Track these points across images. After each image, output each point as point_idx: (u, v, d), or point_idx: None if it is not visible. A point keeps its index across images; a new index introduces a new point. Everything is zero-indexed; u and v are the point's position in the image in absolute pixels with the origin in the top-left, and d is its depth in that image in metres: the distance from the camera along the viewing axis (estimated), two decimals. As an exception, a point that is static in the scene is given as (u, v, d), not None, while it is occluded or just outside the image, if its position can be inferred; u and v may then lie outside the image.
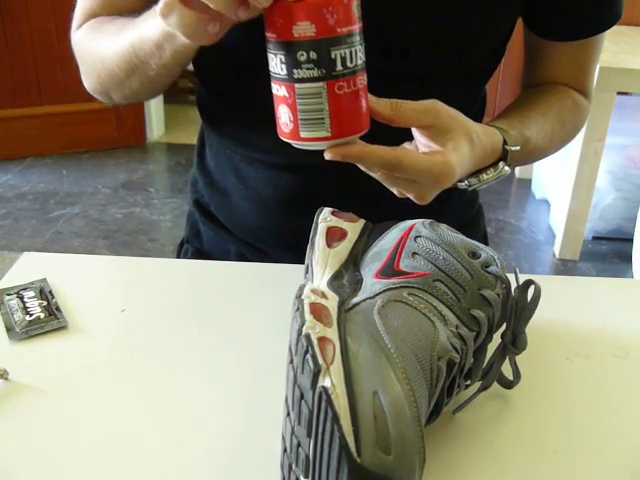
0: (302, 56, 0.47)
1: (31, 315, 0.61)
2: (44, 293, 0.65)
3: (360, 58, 0.49)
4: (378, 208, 0.62)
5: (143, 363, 0.58)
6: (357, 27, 0.48)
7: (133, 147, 3.10)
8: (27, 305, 0.63)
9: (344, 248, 0.55)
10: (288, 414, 0.43)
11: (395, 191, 0.57)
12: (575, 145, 2.14)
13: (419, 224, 0.54)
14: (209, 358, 0.58)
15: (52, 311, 0.62)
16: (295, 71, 0.48)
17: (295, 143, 0.51)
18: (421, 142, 0.56)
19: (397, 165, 0.52)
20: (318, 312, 0.43)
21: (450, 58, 0.68)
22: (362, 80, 0.50)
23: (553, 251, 2.39)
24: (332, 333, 0.42)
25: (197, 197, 0.86)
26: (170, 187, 2.82)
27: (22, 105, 2.88)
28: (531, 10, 0.70)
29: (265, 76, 0.50)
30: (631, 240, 2.00)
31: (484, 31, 0.68)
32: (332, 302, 0.46)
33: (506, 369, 0.53)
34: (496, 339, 0.51)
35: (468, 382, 0.51)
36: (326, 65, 0.47)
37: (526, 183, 2.86)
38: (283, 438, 0.44)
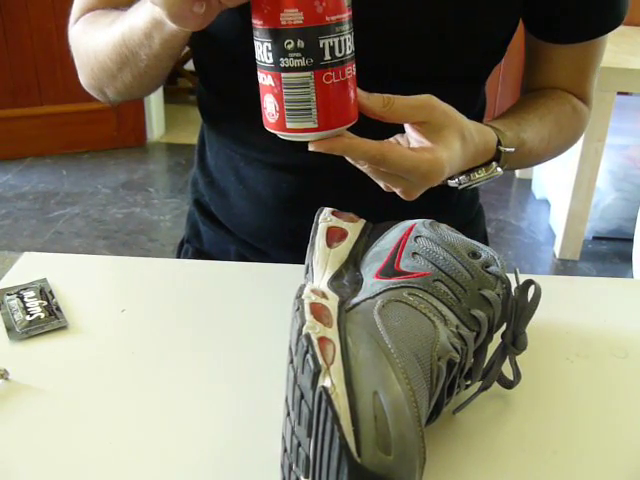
0: (289, 44, 0.46)
1: (31, 315, 0.61)
2: (44, 293, 0.65)
3: (349, 48, 0.48)
4: (378, 208, 0.61)
5: (143, 363, 0.58)
6: (346, 16, 0.47)
7: (133, 147, 3.10)
8: (27, 305, 0.63)
9: (344, 248, 0.55)
10: (288, 414, 0.43)
11: (382, 185, 0.57)
12: (575, 145, 2.13)
13: (419, 224, 0.54)
14: (209, 358, 0.58)
15: (52, 311, 0.62)
16: (282, 60, 0.47)
17: (281, 134, 0.50)
18: (412, 137, 0.55)
19: (382, 160, 0.51)
20: (318, 312, 0.43)
21: (450, 57, 0.67)
22: (351, 70, 0.49)
23: (553, 251, 2.39)
24: (332, 333, 0.42)
25: (197, 197, 0.86)
26: (170, 187, 2.82)
27: (22, 105, 2.88)
28: (531, 11, 0.70)
29: None
30: (631, 240, 2.00)
31: (484, 31, 0.67)
32: (332, 302, 0.46)
33: (506, 369, 0.53)
34: (496, 339, 0.51)
35: (468, 382, 0.51)
36: (314, 54, 0.46)
37: (526, 183, 2.86)
38: (283, 438, 0.44)
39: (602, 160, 2.17)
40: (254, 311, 0.65)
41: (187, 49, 0.68)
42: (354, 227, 0.57)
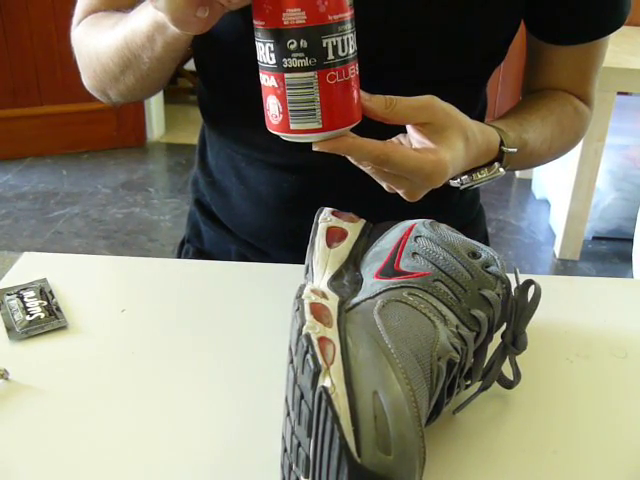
0: (292, 44, 0.45)
1: (31, 315, 0.61)
2: (44, 293, 0.65)
3: (352, 47, 0.48)
4: (378, 208, 0.61)
5: (143, 363, 0.58)
6: (349, 14, 0.47)
7: (133, 147, 3.10)
8: (27, 305, 0.62)
9: (344, 248, 0.55)
10: (288, 414, 0.43)
11: (384, 186, 0.57)
12: (575, 145, 2.13)
13: (419, 224, 0.54)
14: (209, 358, 0.58)
15: (52, 311, 0.62)
16: (285, 60, 0.46)
17: (284, 135, 0.50)
18: (414, 138, 0.55)
19: (385, 161, 0.51)
20: (318, 312, 0.43)
21: (451, 58, 0.67)
22: (354, 70, 0.49)
23: (553, 251, 2.39)
24: (332, 333, 0.42)
25: (198, 197, 0.86)
26: (170, 187, 2.82)
27: (22, 105, 2.88)
28: (533, 12, 0.70)
29: None
30: (631, 240, 2.00)
31: (486, 32, 0.67)
32: (332, 302, 0.46)
33: (506, 369, 0.53)
34: (496, 339, 0.51)
35: (468, 382, 0.51)
36: (317, 54, 0.46)
37: (526, 183, 2.86)
38: (283, 438, 0.44)
39: (602, 160, 2.17)
40: (254, 311, 0.65)
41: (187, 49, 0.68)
42: (354, 227, 0.57)
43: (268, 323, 0.62)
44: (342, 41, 0.47)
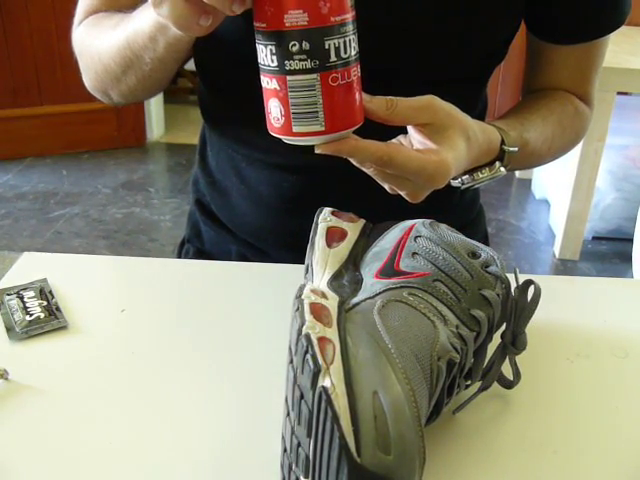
0: (294, 46, 0.45)
1: (31, 315, 0.61)
2: (44, 293, 0.65)
3: (354, 48, 0.47)
4: (379, 208, 0.61)
5: (143, 363, 0.58)
6: (350, 16, 0.47)
7: (133, 147, 3.10)
8: (27, 305, 0.62)
9: (344, 248, 0.55)
10: (288, 414, 0.43)
11: (387, 187, 0.57)
12: (575, 145, 2.13)
13: (419, 224, 0.54)
14: (209, 358, 0.58)
15: (52, 311, 0.62)
16: (287, 62, 0.46)
17: (287, 138, 0.50)
18: (416, 138, 0.55)
19: (388, 162, 0.51)
20: (318, 312, 0.43)
21: (452, 58, 0.67)
22: (356, 71, 0.48)
23: (553, 251, 2.39)
24: (332, 333, 0.42)
25: (198, 197, 0.86)
26: (170, 187, 2.82)
27: (22, 105, 2.88)
28: (533, 12, 0.70)
29: None
30: (631, 240, 2.00)
31: (486, 32, 0.67)
32: (332, 302, 0.46)
33: (506, 369, 0.53)
34: (496, 339, 0.51)
35: (468, 382, 0.51)
36: (319, 56, 0.46)
37: (526, 183, 2.86)
38: (283, 438, 0.44)
39: (602, 160, 2.17)
40: (254, 311, 0.65)
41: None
42: (354, 227, 0.57)
43: (268, 323, 0.62)
44: (344, 43, 0.46)
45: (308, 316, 0.42)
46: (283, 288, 0.61)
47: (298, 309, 0.43)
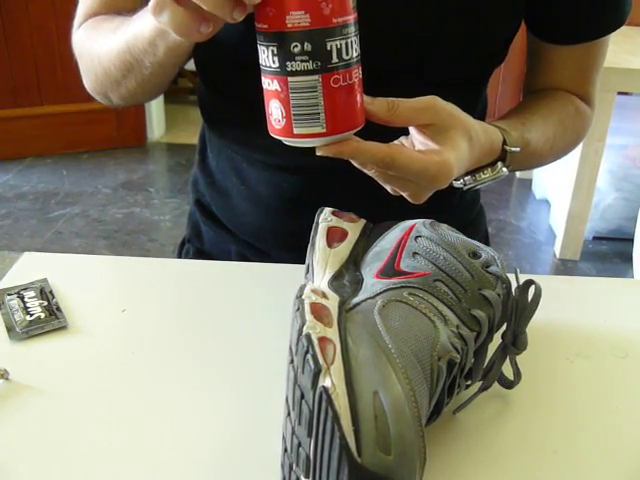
0: (296, 48, 0.45)
1: (31, 315, 0.61)
2: (44, 293, 0.65)
3: (356, 50, 0.47)
4: (379, 209, 0.61)
5: (143, 363, 0.58)
6: (352, 17, 0.46)
7: (133, 147, 3.10)
8: (27, 305, 0.63)
9: (344, 248, 0.55)
10: (288, 414, 0.43)
11: (389, 189, 0.57)
12: (575, 145, 2.13)
13: (419, 224, 0.54)
14: (209, 358, 0.58)
15: (52, 311, 0.62)
16: (288, 64, 0.46)
17: (287, 140, 0.49)
18: (417, 139, 0.55)
19: (390, 163, 0.51)
20: (318, 312, 0.43)
21: (452, 60, 0.67)
22: (357, 73, 0.48)
23: (553, 251, 2.39)
24: (332, 333, 0.42)
25: (198, 197, 0.86)
26: (170, 187, 2.82)
27: (22, 105, 2.88)
28: (533, 12, 0.70)
29: None
30: (631, 240, 2.00)
31: (487, 33, 0.67)
32: (333, 302, 0.46)
33: (506, 369, 0.53)
34: (496, 339, 0.51)
35: (468, 382, 0.51)
36: (321, 57, 0.45)
37: (526, 183, 2.86)
38: (283, 438, 0.44)
39: (602, 160, 2.17)
40: (254, 311, 0.65)
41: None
42: (354, 227, 0.57)
43: (268, 323, 0.62)
44: (346, 44, 0.46)
45: (309, 316, 0.42)
46: (283, 288, 0.61)
47: (299, 309, 0.43)
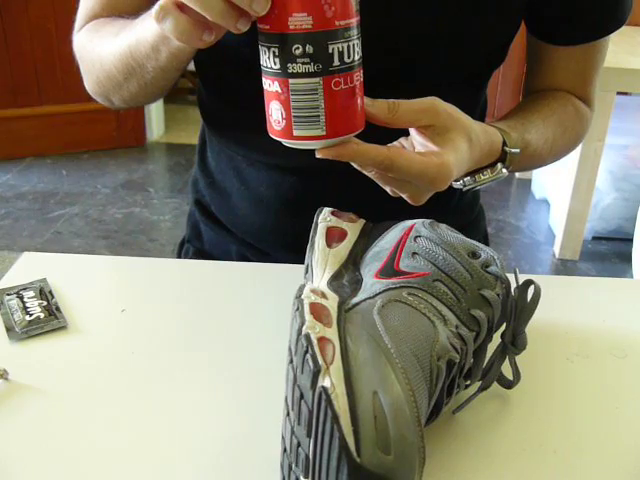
0: (297, 50, 0.45)
1: (31, 315, 0.61)
2: (44, 293, 0.65)
3: (357, 53, 0.47)
4: (379, 209, 0.61)
5: (143, 363, 0.58)
6: (355, 20, 0.46)
7: (133, 147, 3.10)
8: (27, 305, 0.63)
9: (344, 248, 0.55)
10: (288, 414, 0.43)
11: (388, 190, 0.57)
12: (575, 145, 2.13)
13: (419, 224, 0.54)
14: (209, 358, 0.58)
15: (52, 311, 0.62)
16: (289, 65, 0.46)
17: (287, 142, 0.49)
18: (417, 140, 0.55)
19: (390, 166, 0.51)
20: (318, 312, 0.43)
21: (452, 61, 0.67)
22: (359, 77, 0.48)
23: (553, 251, 2.39)
24: (332, 333, 0.42)
25: (198, 197, 0.86)
26: (170, 187, 2.82)
27: (22, 105, 2.88)
28: (533, 13, 0.70)
29: None
30: (631, 240, 2.00)
31: (487, 34, 0.67)
32: (332, 302, 0.46)
33: (506, 369, 0.53)
34: (496, 339, 0.51)
35: (468, 382, 0.51)
36: (323, 60, 0.45)
37: (526, 183, 2.86)
38: (283, 438, 0.44)
39: (602, 160, 2.17)
40: (254, 311, 0.65)
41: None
42: (354, 227, 0.57)
43: (268, 323, 0.63)
44: (348, 47, 0.46)
45: (308, 316, 0.42)
46: (283, 288, 0.61)
47: (298, 309, 0.43)
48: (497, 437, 0.51)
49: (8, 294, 0.64)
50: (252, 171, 0.76)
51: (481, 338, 0.49)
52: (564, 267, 2.31)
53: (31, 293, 0.64)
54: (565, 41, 0.72)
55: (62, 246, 2.29)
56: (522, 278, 0.52)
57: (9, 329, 0.60)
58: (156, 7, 0.47)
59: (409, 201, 0.57)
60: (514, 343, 0.51)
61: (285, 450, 0.44)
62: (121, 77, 0.64)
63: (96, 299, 0.66)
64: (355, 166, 0.53)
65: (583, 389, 0.57)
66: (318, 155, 0.50)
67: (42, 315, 0.61)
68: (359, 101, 0.49)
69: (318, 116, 0.47)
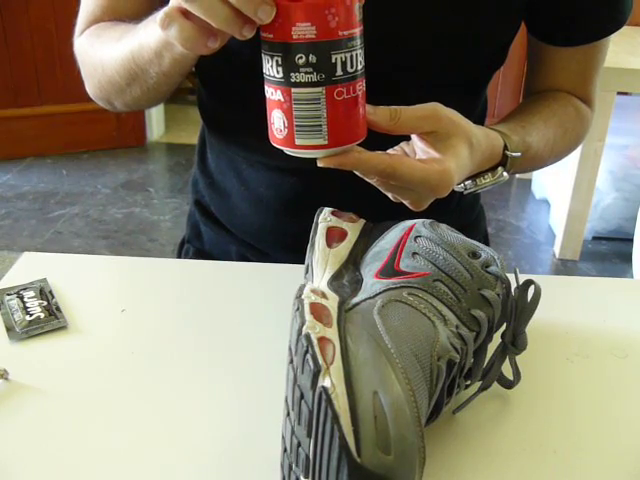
0: (301, 59, 0.45)
1: (31, 315, 0.61)
2: (44, 293, 0.65)
3: (360, 63, 0.47)
4: (379, 209, 0.61)
5: (143, 363, 0.58)
6: (358, 30, 0.46)
7: (133, 147, 3.10)
8: (27, 305, 0.63)
9: (344, 248, 0.55)
10: (288, 414, 0.43)
11: (390, 196, 0.57)
12: (575, 145, 2.13)
13: (419, 224, 0.54)
14: (209, 358, 0.58)
15: (52, 311, 0.62)
16: (292, 75, 0.46)
17: (288, 150, 0.49)
18: (419, 146, 0.55)
19: (392, 174, 0.51)
20: (318, 312, 0.43)
21: (451, 60, 0.67)
22: (361, 86, 0.48)
23: (553, 251, 2.39)
24: (332, 333, 0.42)
25: (197, 197, 0.86)
26: (170, 187, 2.82)
27: (22, 105, 2.88)
28: (534, 14, 0.70)
29: None
30: (631, 240, 2.00)
31: (487, 36, 0.67)
32: (332, 302, 0.46)
33: (506, 369, 0.53)
34: (496, 339, 0.51)
35: (468, 382, 0.51)
36: (326, 69, 0.45)
37: (526, 183, 2.86)
38: (283, 438, 0.44)
39: (602, 160, 2.17)
40: (254, 311, 0.65)
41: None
42: (354, 227, 0.57)
43: (268, 323, 0.63)
44: (351, 57, 0.46)
45: (308, 316, 0.42)
46: (283, 288, 0.61)
47: (298, 309, 0.43)
48: (497, 437, 0.51)
49: (8, 294, 0.64)
50: (252, 172, 0.76)
51: (481, 338, 0.49)
52: (564, 267, 2.31)
53: (31, 293, 0.64)
54: (565, 42, 0.72)
55: (62, 246, 2.29)
56: (522, 278, 0.52)
57: (9, 329, 0.60)
58: (161, 14, 0.47)
59: (410, 207, 0.57)
60: (514, 343, 0.51)
61: (285, 450, 0.44)
62: (123, 82, 0.64)
63: (96, 299, 0.66)
64: (357, 173, 0.53)
65: (583, 389, 0.57)
66: (320, 164, 0.50)
67: (42, 315, 0.61)
68: (361, 110, 0.49)
69: (320, 125, 0.47)
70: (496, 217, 2.60)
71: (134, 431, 0.50)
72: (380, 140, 0.52)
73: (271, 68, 0.47)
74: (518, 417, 0.53)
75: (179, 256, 0.91)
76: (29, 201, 2.60)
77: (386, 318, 0.44)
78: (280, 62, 0.46)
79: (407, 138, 0.57)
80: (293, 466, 0.42)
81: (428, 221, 0.54)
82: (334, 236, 0.56)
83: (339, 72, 0.46)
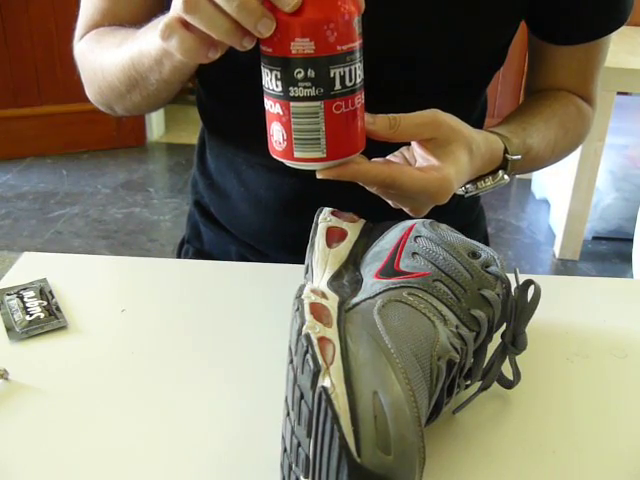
0: (299, 74, 0.45)
1: (31, 315, 0.61)
2: (44, 293, 0.65)
3: (359, 76, 0.47)
4: (378, 210, 0.61)
5: (143, 363, 0.58)
6: (357, 44, 0.46)
7: (133, 147, 3.10)
8: (27, 305, 0.63)
9: (344, 248, 0.55)
10: (288, 414, 0.43)
11: (390, 203, 0.57)
12: (575, 145, 2.13)
13: (419, 224, 0.54)
14: (209, 358, 0.58)
15: (52, 311, 0.62)
16: (291, 89, 0.46)
17: (288, 162, 0.50)
18: (418, 153, 0.55)
19: (391, 184, 0.51)
20: (318, 312, 0.43)
21: (451, 60, 0.67)
22: (360, 99, 0.48)
23: (553, 251, 2.39)
24: (332, 333, 0.42)
25: (197, 198, 0.86)
26: (170, 187, 2.82)
27: (22, 105, 2.88)
28: (534, 12, 0.70)
29: None
30: (631, 240, 2.00)
31: (487, 37, 0.67)
32: (332, 302, 0.46)
33: (506, 369, 0.53)
34: (496, 339, 0.51)
35: (468, 382, 0.51)
36: (324, 84, 0.45)
37: (526, 183, 2.86)
38: (283, 438, 0.44)
39: (602, 160, 2.17)
40: (254, 311, 0.65)
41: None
42: (354, 227, 0.57)
43: (268, 323, 0.63)
44: (350, 71, 0.46)
45: (308, 316, 0.42)
46: (283, 288, 0.61)
47: (298, 309, 0.43)
48: (497, 437, 0.51)
49: (8, 294, 0.64)
50: (251, 173, 0.76)
51: (481, 338, 0.49)
52: (564, 267, 2.31)
53: (31, 293, 0.64)
54: (566, 40, 0.72)
55: (62, 246, 2.29)
56: (522, 278, 0.52)
57: (9, 329, 0.60)
58: (161, 25, 0.47)
59: (410, 214, 0.57)
60: (514, 343, 0.51)
61: (285, 450, 0.44)
62: (123, 88, 0.64)
63: (96, 299, 0.66)
64: (358, 183, 0.53)
65: (583, 389, 0.57)
66: (319, 176, 0.50)
67: (42, 315, 0.61)
68: (360, 123, 0.49)
69: (319, 139, 0.47)
70: (496, 217, 2.60)
71: (134, 431, 0.50)
72: (380, 147, 0.52)
73: (270, 81, 0.47)
74: (518, 417, 0.53)
75: (179, 256, 0.91)
76: (29, 201, 2.60)
77: (386, 318, 0.44)
78: (279, 76, 0.46)
79: (407, 143, 0.57)
80: (293, 466, 0.42)
81: (428, 221, 0.54)
82: (334, 236, 0.56)
83: (337, 86, 0.46)
